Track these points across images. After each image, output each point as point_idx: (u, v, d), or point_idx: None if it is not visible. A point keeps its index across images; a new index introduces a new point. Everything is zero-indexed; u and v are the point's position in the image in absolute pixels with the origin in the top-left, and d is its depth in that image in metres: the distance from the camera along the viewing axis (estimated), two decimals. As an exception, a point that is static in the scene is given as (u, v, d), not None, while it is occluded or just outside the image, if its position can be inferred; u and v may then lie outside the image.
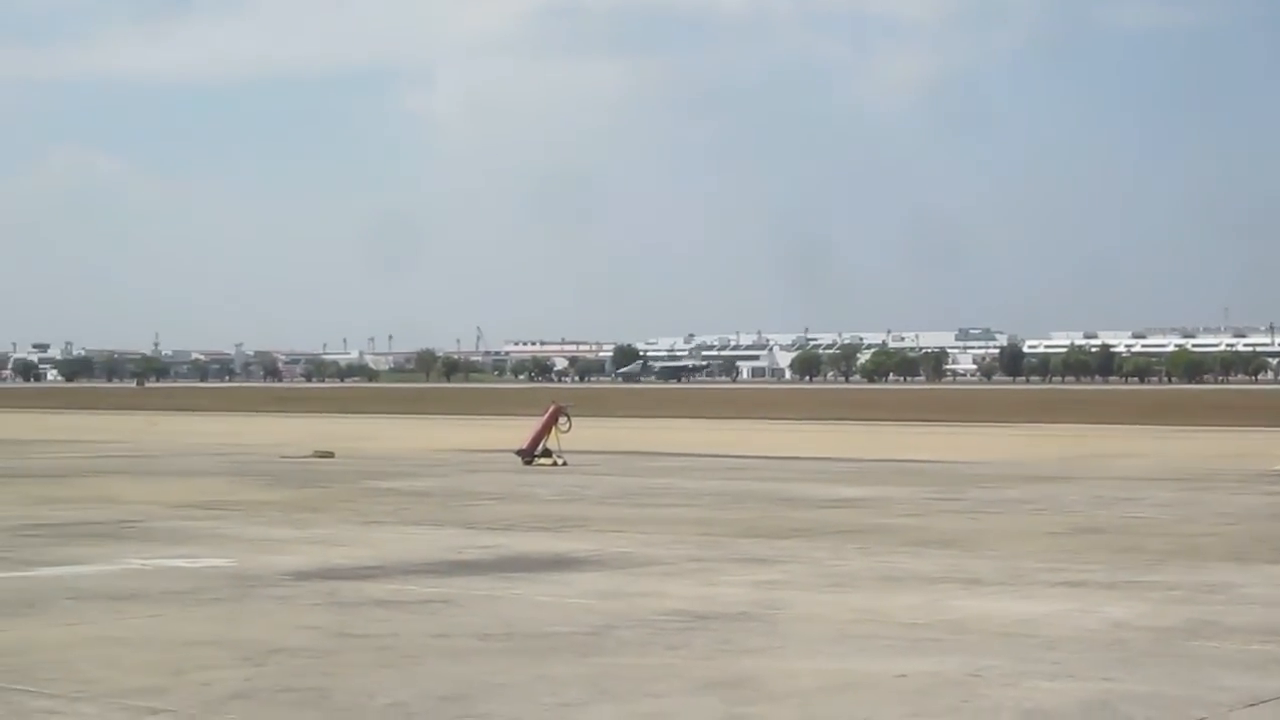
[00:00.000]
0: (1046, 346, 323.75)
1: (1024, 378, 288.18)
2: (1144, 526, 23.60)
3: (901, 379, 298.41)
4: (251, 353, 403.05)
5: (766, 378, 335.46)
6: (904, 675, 11.97)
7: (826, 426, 68.62)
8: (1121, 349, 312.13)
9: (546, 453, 38.88)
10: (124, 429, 64.88)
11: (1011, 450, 47.89)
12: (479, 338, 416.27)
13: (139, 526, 23.50)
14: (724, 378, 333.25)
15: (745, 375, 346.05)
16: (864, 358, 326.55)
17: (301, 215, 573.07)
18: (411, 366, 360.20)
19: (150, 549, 20.34)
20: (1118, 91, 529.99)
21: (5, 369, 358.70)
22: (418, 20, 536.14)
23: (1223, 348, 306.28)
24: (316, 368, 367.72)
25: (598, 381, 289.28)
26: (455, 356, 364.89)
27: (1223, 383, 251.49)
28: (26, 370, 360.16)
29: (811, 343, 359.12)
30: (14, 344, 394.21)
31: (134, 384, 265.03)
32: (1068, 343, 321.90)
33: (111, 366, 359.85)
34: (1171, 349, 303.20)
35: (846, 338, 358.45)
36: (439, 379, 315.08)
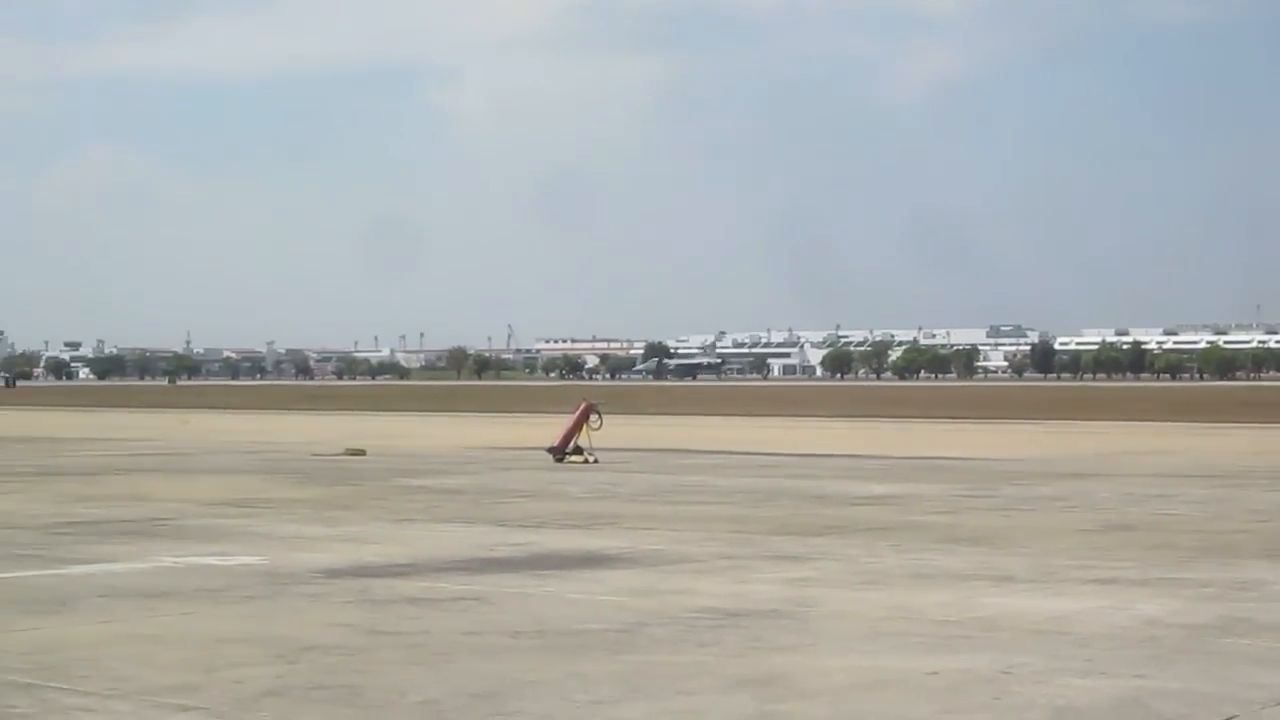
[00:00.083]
0: (1078, 343, 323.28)
1: (1055, 375, 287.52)
2: (1176, 524, 23.49)
3: (933, 376, 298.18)
4: (283, 351, 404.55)
5: (798, 375, 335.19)
6: (936, 672, 11.94)
7: (858, 424, 68.48)
8: (1153, 346, 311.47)
9: (578, 450, 38.88)
10: (156, 427, 65.10)
11: (1042, 447, 47.73)
12: (510, 335, 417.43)
13: (171, 524, 23.54)
14: (755, 375, 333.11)
15: (776, 372, 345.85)
16: (895, 355, 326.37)
17: (333, 214, 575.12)
18: (443, 364, 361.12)
19: (182, 547, 20.37)
20: (1151, 87, 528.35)
21: (38, 367, 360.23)
22: (447, 18, 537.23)
23: (1254, 344, 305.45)
24: (348, 365, 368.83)
25: (629, 379, 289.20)
26: (486, 354, 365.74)
27: (1255, 379, 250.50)
28: (59, 369, 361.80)
29: (843, 340, 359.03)
30: (46, 342, 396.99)
31: (166, 382, 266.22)
32: (1099, 339, 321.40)
33: (143, 365, 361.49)
34: (1203, 345, 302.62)
35: (878, 335, 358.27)
36: (470, 376, 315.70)
